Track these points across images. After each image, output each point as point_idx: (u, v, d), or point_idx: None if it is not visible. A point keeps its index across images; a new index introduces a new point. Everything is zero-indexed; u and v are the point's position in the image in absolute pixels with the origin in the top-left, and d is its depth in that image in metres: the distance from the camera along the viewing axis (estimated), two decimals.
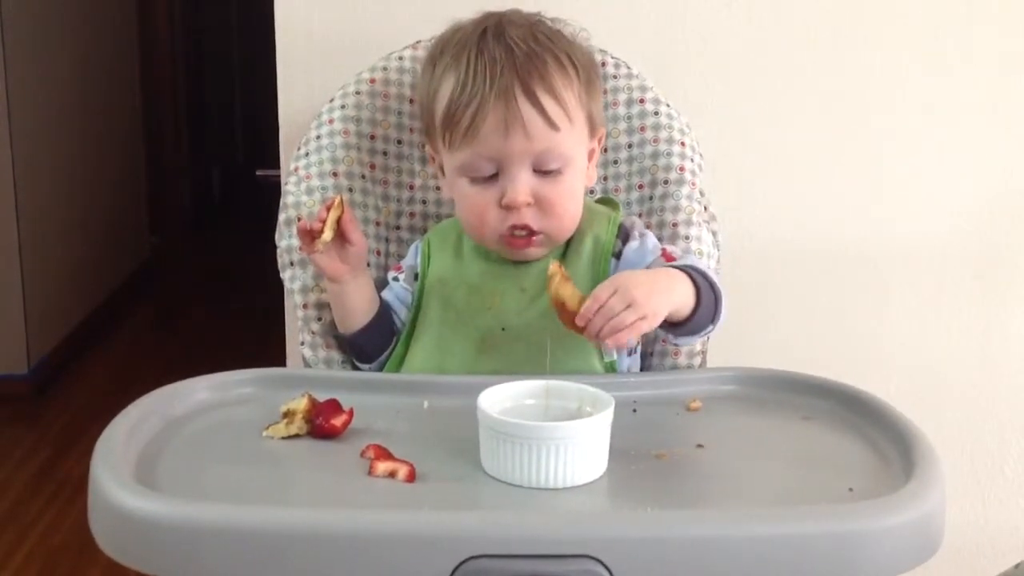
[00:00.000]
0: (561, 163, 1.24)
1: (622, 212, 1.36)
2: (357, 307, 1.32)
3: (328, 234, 1.24)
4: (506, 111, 1.21)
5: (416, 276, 1.35)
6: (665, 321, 1.16)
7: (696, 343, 1.30)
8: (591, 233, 1.30)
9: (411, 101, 1.44)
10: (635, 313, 1.11)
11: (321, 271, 1.30)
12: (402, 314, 1.35)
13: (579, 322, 1.13)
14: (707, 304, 1.20)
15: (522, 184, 1.23)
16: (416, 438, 1.08)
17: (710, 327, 1.23)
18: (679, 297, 1.17)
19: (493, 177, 1.25)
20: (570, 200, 1.27)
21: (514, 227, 1.25)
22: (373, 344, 1.34)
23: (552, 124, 1.23)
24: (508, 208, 1.24)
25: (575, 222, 1.28)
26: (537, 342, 1.25)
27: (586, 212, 1.30)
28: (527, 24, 1.28)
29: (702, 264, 1.29)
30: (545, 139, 1.23)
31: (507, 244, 1.27)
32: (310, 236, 1.25)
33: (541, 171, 1.24)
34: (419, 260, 1.35)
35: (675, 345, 1.32)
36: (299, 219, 1.32)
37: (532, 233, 1.26)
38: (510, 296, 1.29)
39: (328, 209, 1.24)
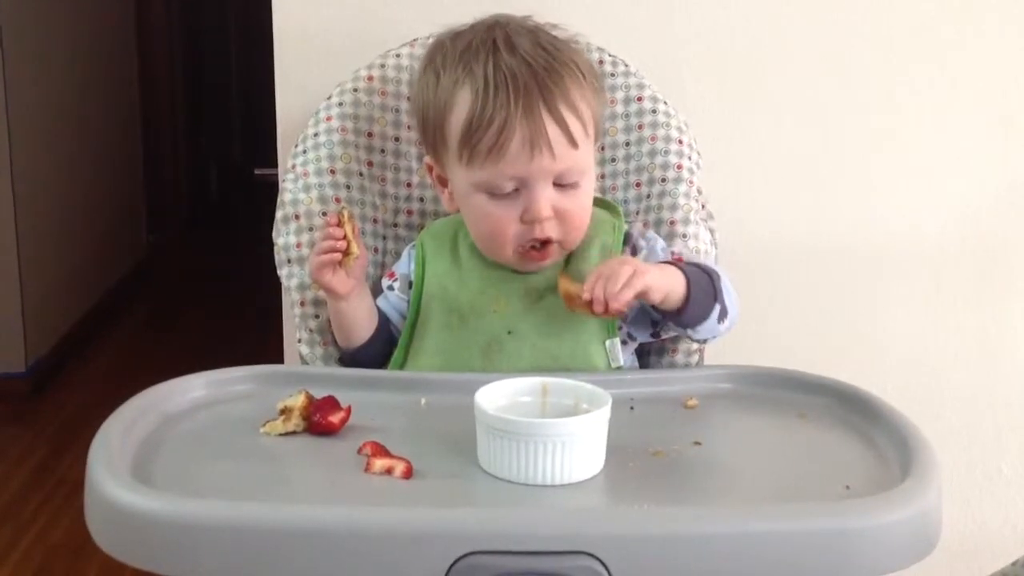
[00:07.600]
0: (580, 176, 1.24)
1: (621, 216, 1.35)
2: (361, 321, 1.31)
3: (356, 247, 1.24)
4: (532, 131, 1.19)
5: (410, 284, 1.34)
6: (669, 311, 1.20)
7: (713, 335, 1.26)
8: (598, 241, 1.29)
9: (408, 99, 1.44)
10: (629, 267, 1.16)
11: (334, 292, 1.27)
12: (398, 324, 1.34)
13: (585, 295, 1.17)
14: (701, 287, 1.21)
15: (545, 200, 1.22)
16: (413, 435, 1.08)
17: (715, 314, 1.22)
18: (667, 275, 1.20)
19: (513, 193, 1.23)
20: (586, 211, 1.27)
21: (535, 240, 1.24)
22: (374, 356, 1.32)
23: (574, 142, 1.21)
24: (531, 223, 1.23)
25: (585, 229, 1.28)
26: (544, 345, 1.25)
27: (591, 218, 1.29)
28: (530, 32, 1.26)
29: (708, 260, 1.28)
30: (568, 157, 1.22)
31: (525, 257, 1.26)
32: (335, 259, 1.24)
33: (560, 184, 1.23)
34: (413, 267, 1.34)
35: (694, 340, 1.30)
36: (320, 252, 1.26)
37: (549, 243, 1.25)
38: (516, 299, 1.28)
39: (340, 224, 1.24)
